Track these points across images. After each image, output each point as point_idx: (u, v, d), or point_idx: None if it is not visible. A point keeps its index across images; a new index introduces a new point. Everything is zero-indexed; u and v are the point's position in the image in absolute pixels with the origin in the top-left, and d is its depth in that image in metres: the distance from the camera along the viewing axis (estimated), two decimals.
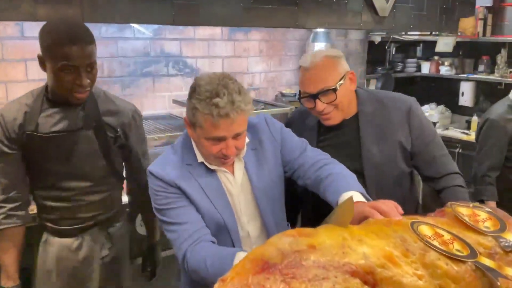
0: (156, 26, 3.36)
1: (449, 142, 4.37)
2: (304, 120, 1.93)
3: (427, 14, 3.47)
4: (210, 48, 3.68)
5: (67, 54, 1.59)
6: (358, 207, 1.19)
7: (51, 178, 1.80)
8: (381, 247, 0.93)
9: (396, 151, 1.82)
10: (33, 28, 2.90)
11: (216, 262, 1.36)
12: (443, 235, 1.06)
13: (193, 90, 1.41)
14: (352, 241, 0.94)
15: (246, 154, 1.57)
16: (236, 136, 1.44)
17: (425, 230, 1.05)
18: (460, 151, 4.36)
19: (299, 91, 1.84)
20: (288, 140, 1.65)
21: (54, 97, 1.74)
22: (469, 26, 4.14)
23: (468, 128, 4.72)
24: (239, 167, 1.57)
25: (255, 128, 1.62)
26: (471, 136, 4.43)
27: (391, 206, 1.17)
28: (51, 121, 1.74)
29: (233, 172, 1.56)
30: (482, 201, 2.75)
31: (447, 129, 4.78)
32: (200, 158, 1.52)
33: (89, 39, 1.66)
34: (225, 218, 1.52)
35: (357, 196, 1.32)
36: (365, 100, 1.86)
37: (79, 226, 1.87)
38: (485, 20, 4.50)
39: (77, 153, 1.79)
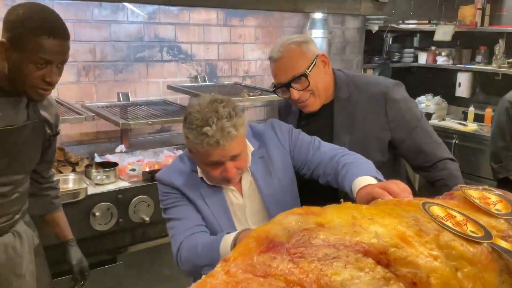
0: (150, 9, 3.28)
1: (446, 133, 4.33)
2: (290, 107, 1.90)
3: (427, 1, 3.42)
4: (205, 34, 3.60)
5: (44, 48, 1.47)
6: (367, 188, 1.14)
7: None
8: (393, 226, 0.87)
9: (370, 141, 1.74)
10: None
11: (207, 247, 1.38)
12: (455, 216, 1.01)
13: (185, 118, 1.43)
14: (363, 220, 0.88)
15: (253, 163, 1.55)
16: (234, 158, 1.42)
17: (437, 211, 1.00)
18: (457, 141, 4.32)
19: (273, 83, 1.80)
20: (298, 141, 1.62)
21: (3, 85, 1.57)
22: (468, 14, 4.09)
23: (465, 119, 4.68)
24: (245, 177, 1.55)
25: (261, 136, 1.61)
26: (468, 127, 4.40)
27: (402, 188, 1.12)
28: (0, 113, 1.59)
29: (240, 183, 1.55)
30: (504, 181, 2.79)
31: (443, 119, 4.74)
32: (200, 174, 1.53)
33: (68, 35, 1.55)
34: (222, 226, 1.51)
35: (368, 180, 1.28)
36: (342, 85, 1.79)
37: (11, 221, 1.75)
38: (483, 9, 4.44)
39: (19, 148, 1.67)
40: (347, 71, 1.89)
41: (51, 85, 1.54)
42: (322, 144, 1.60)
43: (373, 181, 1.28)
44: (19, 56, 1.48)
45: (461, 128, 4.41)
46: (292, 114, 1.89)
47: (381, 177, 1.35)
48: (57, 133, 1.84)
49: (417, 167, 1.81)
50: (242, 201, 1.55)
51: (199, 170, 1.52)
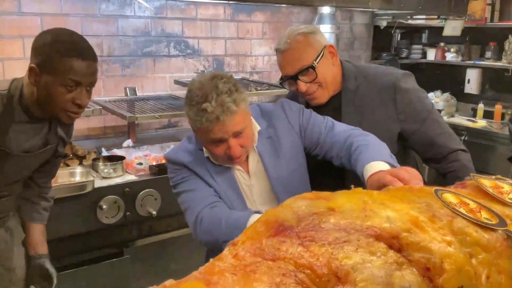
0: (157, 4, 3.27)
1: (455, 129, 4.22)
2: (296, 99, 1.86)
3: None
4: (212, 29, 3.58)
5: (74, 69, 1.47)
6: (377, 175, 1.12)
7: None
8: (405, 211, 0.85)
9: (379, 132, 1.67)
10: (30, 4, 2.81)
11: (231, 224, 1.33)
12: (469, 204, 0.98)
13: (186, 97, 1.41)
14: (374, 204, 0.86)
15: (260, 143, 1.52)
16: (237, 135, 1.39)
17: (450, 197, 0.98)
18: (467, 138, 4.27)
19: (281, 76, 1.77)
20: (310, 121, 1.58)
21: (33, 109, 1.58)
22: (478, 9, 4.04)
23: (474, 116, 4.63)
24: (252, 158, 1.53)
25: (270, 115, 1.57)
26: (478, 123, 4.36)
27: (413, 174, 1.09)
28: (22, 138, 1.61)
29: (246, 162, 1.52)
30: None
31: (452, 116, 4.70)
32: (206, 153, 1.51)
33: (96, 57, 1.56)
34: (235, 206, 1.49)
35: (380, 165, 1.25)
36: (350, 76, 1.75)
37: (4, 218, 1.77)
38: (493, 5, 4.40)
39: (28, 167, 1.70)
40: (356, 62, 1.86)
41: (81, 107, 1.54)
42: (336, 124, 1.57)
43: (385, 167, 1.25)
44: (49, 79, 1.49)
45: (470, 124, 4.37)
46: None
47: (394, 161, 1.31)
48: (65, 156, 1.85)
49: (428, 159, 1.77)
50: (249, 181, 1.52)
51: (205, 149, 1.50)
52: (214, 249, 1.34)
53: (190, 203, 1.47)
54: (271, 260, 0.75)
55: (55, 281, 1.89)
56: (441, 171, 1.75)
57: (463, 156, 1.72)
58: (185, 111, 1.43)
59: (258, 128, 1.53)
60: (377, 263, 0.75)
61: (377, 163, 1.26)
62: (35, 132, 1.63)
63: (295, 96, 1.86)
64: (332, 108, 1.75)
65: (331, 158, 1.53)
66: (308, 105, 1.82)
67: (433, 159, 1.75)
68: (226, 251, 0.79)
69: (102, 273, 2.30)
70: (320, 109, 1.76)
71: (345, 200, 0.87)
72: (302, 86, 1.67)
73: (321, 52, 1.67)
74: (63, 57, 1.47)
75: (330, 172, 1.58)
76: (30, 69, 1.51)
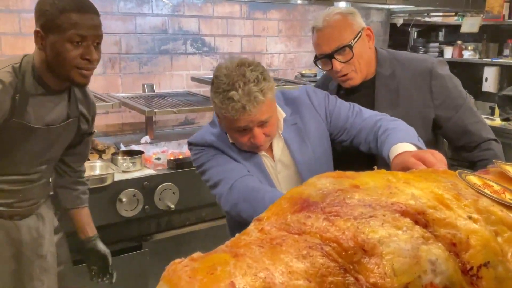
0: (174, 1, 3.30)
1: None
2: (327, 84, 1.86)
3: None
4: (229, 27, 3.60)
5: (77, 23, 1.49)
6: (402, 156, 1.11)
7: (19, 166, 1.68)
8: (431, 189, 0.85)
9: (413, 118, 1.67)
10: None
11: (274, 194, 1.29)
12: (493, 186, 0.98)
13: (212, 83, 1.39)
14: (399, 183, 0.86)
15: (286, 130, 1.51)
16: (262, 124, 1.38)
17: (474, 179, 0.97)
18: None
19: (315, 55, 1.74)
20: (336, 107, 1.56)
21: (47, 79, 1.60)
22: (496, 5, 4.01)
23: (492, 114, 4.57)
24: (277, 145, 1.52)
25: (295, 101, 1.55)
26: (496, 121, 4.30)
27: (439, 158, 1.08)
28: (42, 111, 1.62)
29: (271, 153, 1.51)
30: None
31: None
32: (231, 140, 1.49)
33: (97, 11, 1.57)
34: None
35: (406, 146, 1.24)
36: (384, 61, 1.73)
37: (36, 205, 1.79)
38: (510, 2, 4.34)
39: (53, 143, 1.70)
40: (389, 49, 1.85)
41: (91, 62, 1.55)
42: (363, 110, 1.55)
43: (411, 148, 1.24)
44: (54, 39, 1.51)
45: (489, 122, 4.29)
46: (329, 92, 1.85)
47: (422, 145, 1.30)
48: (92, 133, 1.88)
49: (460, 147, 1.75)
50: (276, 166, 1.52)
51: (229, 135, 1.49)
52: (239, 226, 1.33)
53: (221, 175, 1.44)
54: (297, 234, 0.76)
55: (110, 261, 1.95)
56: (472, 159, 1.73)
57: (496, 146, 1.72)
58: (210, 97, 1.41)
59: (284, 115, 1.52)
60: (404, 237, 0.75)
61: (403, 145, 1.25)
62: (53, 105, 1.65)
63: (326, 80, 1.85)
64: (364, 93, 1.73)
65: (359, 144, 1.52)
66: (339, 88, 1.80)
67: (465, 147, 1.74)
68: (251, 226, 0.80)
69: (121, 266, 2.31)
70: (352, 94, 1.75)
71: (369, 179, 0.87)
72: (337, 65, 1.65)
73: (358, 33, 1.65)
74: (64, 12, 1.48)
75: (355, 161, 1.58)
76: (36, 34, 1.54)
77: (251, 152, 1.49)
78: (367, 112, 1.54)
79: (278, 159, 1.52)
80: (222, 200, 1.44)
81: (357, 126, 1.51)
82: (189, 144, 1.55)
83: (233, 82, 1.32)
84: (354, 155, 1.58)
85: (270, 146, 1.51)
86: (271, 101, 1.40)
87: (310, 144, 1.52)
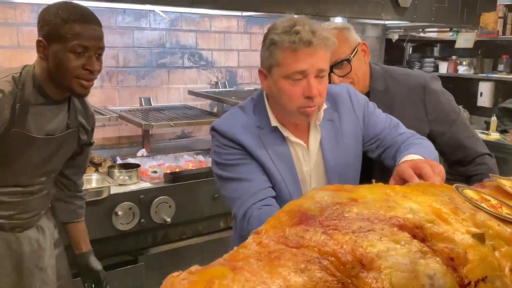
0: (172, 16, 3.32)
1: None
2: None
3: (449, 6, 3.41)
4: (226, 41, 3.63)
5: (80, 33, 1.50)
6: (402, 165, 1.10)
7: (20, 177, 1.68)
8: (428, 203, 0.86)
9: None
10: None
11: None
12: (490, 200, 0.99)
13: (269, 31, 1.32)
14: (397, 196, 0.86)
15: (323, 124, 1.43)
16: (319, 74, 1.30)
17: (471, 194, 0.98)
18: None
19: None
20: (374, 115, 1.50)
21: (47, 89, 1.61)
22: (491, 21, 4.06)
23: (487, 129, 4.60)
24: (314, 139, 1.43)
25: (335, 97, 1.47)
26: (491, 136, 4.33)
27: (437, 171, 1.08)
28: (42, 120, 1.62)
29: (307, 144, 1.43)
30: None
31: None
32: (274, 122, 1.40)
33: (99, 22, 1.59)
34: (291, 191, 1.40)
35: (413, 157, 1.23)
36: (378, 76, 1.75)
37: (36, 217, 1.78)
38: (505, 18, 4.40)
39: (53, 154, 1.70)
40: (382, 64, 1.87)
41: (92, 73, 1.56)
42: (400, 125, 1.51)
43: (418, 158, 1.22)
44: (57, 48, 1.52)
45: (484, 137, 4.33)
46: None
47: (432, 157, 1.30)
48: (91, 143, 1.87)
49: (455, 162, 1.76)
50: (308, 159, 1.44)
51: (272, 117, 1.40)
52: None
53: (240, 193, 1.36)
54: (295, 247, 0.76)
55: (102, 278, 1.93)
56: (466, 174, 1.74)
57: (490, 160, 1.73)
58: (264, 47, 1.33)
59: (325, 106, 1.43)
60: (402, 251, 0.75)
61: (412, 156, 1.24)
62: (53, 115, 1.65)
63: None
64: None
65: (385, 158, 1.46)
66: None
67: (460, 162, 1.75)
68: (249, 239, 0.80)
69: (117, 281, 2.30)
70: None
71: (367, 192, 0.88)
72: (336, 79, 1.67)
73: (355, 47, 1.68)
74: (67, 22, 1.49)
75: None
76: (38, 43, 1.55)
77: (280, 141, 1.40)
78: (403, 128, 1.50)
79: (312, 153, 1.43)
80: (237, 224, 1.38)
81: (392, 138, 1.45)
82: (213, 129, 1.42)
83: (296, 23, 1.27)
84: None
85: (307, 134, 1.43)
86: (331, 50, 1.34)
87: (344, 146, 1.45)
